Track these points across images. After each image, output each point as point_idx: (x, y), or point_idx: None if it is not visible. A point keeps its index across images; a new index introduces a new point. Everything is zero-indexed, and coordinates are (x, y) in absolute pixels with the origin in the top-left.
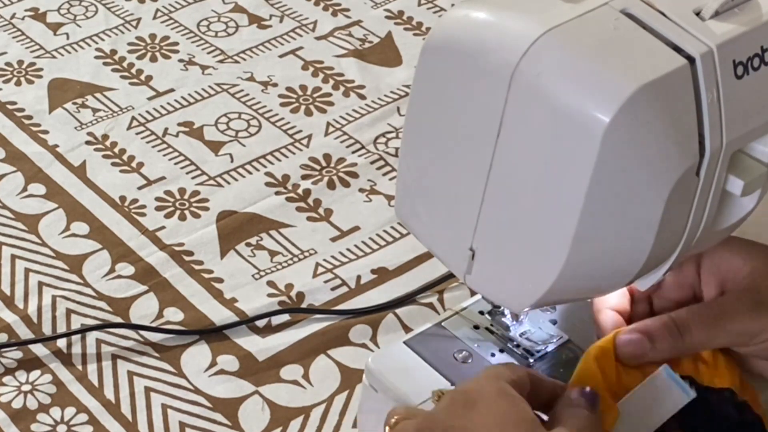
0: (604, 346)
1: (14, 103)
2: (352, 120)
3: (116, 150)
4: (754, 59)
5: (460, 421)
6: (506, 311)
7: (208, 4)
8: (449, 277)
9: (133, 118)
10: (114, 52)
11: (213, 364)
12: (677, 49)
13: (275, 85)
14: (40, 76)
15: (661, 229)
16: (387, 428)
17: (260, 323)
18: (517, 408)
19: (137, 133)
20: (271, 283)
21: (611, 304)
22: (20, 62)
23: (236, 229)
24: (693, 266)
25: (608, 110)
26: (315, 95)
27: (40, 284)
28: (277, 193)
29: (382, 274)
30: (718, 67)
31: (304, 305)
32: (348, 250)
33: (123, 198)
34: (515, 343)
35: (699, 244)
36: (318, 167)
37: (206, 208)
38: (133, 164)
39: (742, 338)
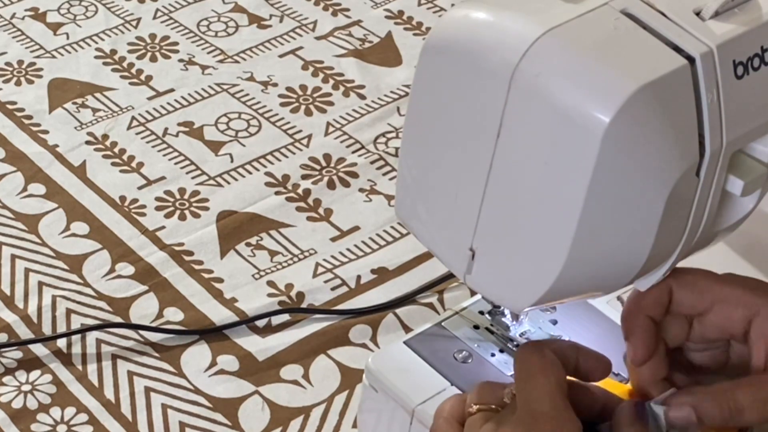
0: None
1: (14, 103)
2: (352, 120)
3: (116, 150)
4: (754, 59)
5: None
6: (506, 311)
7: (208, 4)
8: (449, 277)
9: (133, 118)
10: (114, 52)
11: (213, 364)
12: (677, 49)
13: (275, 85)
14: (40, 76)
15: (661, 229)
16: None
17: (260, 323)
18: None
19: (137, 133)
20: (271, 283)
21: (648, 307)
22: (20, 62)
23: (236, 229)
24: (742, 321)
25: (608, 110)
26: (315, 95)
27: (40, 284)
28: (277, 193)
29: (382, 274)
30: (718, 67)
31: (304, 305)
32: (348, 250)
33: (123, 198)
34: (515, 343)
35: (699, 244)
36: (318, 167)
37: (206, 208)
38: (133, 164)
39: None
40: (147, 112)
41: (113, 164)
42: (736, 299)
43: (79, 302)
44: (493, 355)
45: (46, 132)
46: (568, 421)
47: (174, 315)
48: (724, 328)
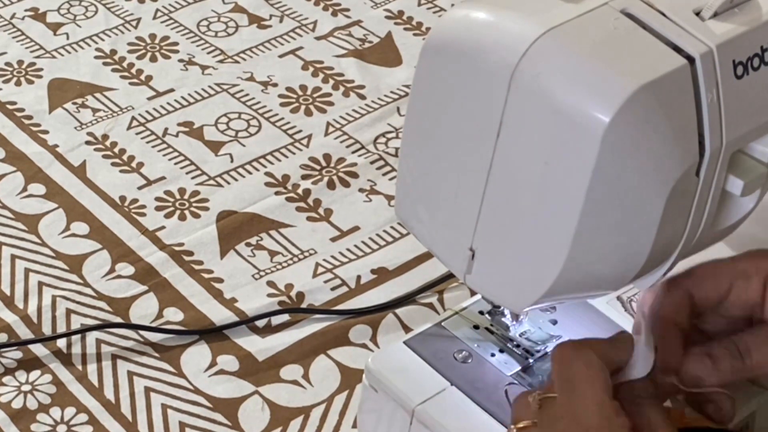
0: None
1: (14, 103)
2: (352, 120)
3: (116, 150)
4: (754, 59)
5: None
6: (506, 311)
7: (208, 4)
8: (449, 277)
9: (133, 118)
10: (114, 52)
11: (213, 364)
12: (677, 49)
13: (275, 85)
14: (40, 76)
15: (661, 229)
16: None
17: (260, 323)
18: None
19: (137, 133)
20: (271, 283)
21: (672, 316)
22: (20, 62)
23: (236, 229)
24: (760, 286)
25: (608, 110)
26: (315, 95)
27: (40, 284)
28: (277, 193)
29: (382, 274)
30: (718, 67)
31: (304, 305)
32: (348, 250)
33: (123, 198)
34: (515, 343)
35: (699, 244)
36: (318, 167)
37: (206, 208)
38: (133, 164)
39: None
40: (147, 112)
41: (113, 164)
42: (748, 271)
43: (79, 302)
44: (493, 355)
45: (46, 132)
46: (620, 428)
47: (174, 315)
48: (745, 302)
